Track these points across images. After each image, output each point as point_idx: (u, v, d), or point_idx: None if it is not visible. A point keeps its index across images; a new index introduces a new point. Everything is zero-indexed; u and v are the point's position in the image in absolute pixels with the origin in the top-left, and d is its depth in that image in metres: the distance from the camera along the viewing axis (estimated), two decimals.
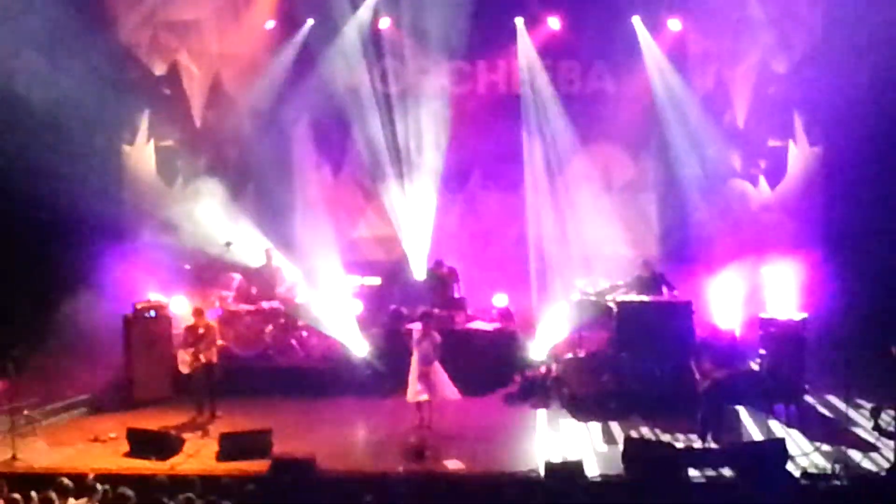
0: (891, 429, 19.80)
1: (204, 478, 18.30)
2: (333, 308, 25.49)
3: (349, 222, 29.19)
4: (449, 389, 21.69)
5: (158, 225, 27.28)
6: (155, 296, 24.34)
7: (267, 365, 24.55)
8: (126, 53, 27.50)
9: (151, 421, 21.50)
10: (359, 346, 24.59)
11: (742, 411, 21.61)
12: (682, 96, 27.54)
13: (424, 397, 21.47)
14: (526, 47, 28.17)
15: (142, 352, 23.35)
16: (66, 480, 17.10)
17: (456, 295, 25.75)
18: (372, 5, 28.13)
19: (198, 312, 22.58)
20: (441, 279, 25.85)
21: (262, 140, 28.33)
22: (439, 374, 21.60)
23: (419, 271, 27.39)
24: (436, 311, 24.10)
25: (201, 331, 22.21)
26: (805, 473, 18.47)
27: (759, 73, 27.53)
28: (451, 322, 24.51)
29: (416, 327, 22.13)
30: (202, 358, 21.85)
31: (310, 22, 28.12)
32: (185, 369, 22.07)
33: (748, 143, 27.93)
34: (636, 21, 27.54)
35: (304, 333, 25.55)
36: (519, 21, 27.93)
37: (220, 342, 22.47)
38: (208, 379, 22.00)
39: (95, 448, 20.42)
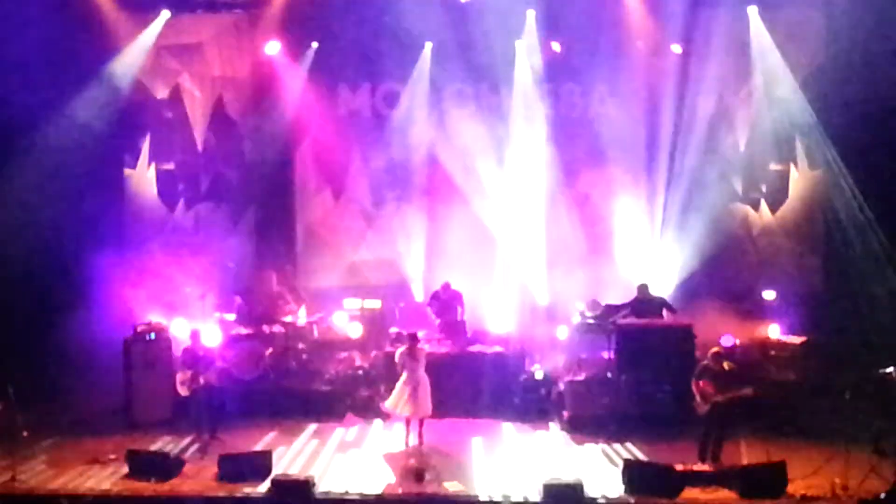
0: (891, 451, 19.76)
1: (203, 499, 18.36)
2: (334, 331, 25.56)
3: (350, 245, 29.13)
4: (427, 405, 21.95)
5: (160, 248, 27.25)
6: (155, 318, 24.29)
7: (267, 387, 24.44)
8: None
9: (151, 442, 21.50)
10: (358, 369, 24.57)
11: (742, 433, 21.53)
12: (679, 120, 27.62)
13: (407, 413, 21.77)
14: (526, 70, 28.17)
15: (142, 374, 23.28)
16: (65, 502, 17.11)
17: (458, 318, 25.69)
18: (375, 30, 28.11)
19: (195, 334, 22.60)
20: (445, 302, 25.86)
21: (263, 163, 28.35)
22: (425, 391, 21.85)
23: (419, 294, 27.39)
24: (435, 334, 24.34)
25: (205, 353, 22.25)
26: (804, 496, 18.47)
27: (760, 97, 27.50)
28: (451, 345, 24.54)
29: (401, 349, 22.30)
30: (201, 380, 21.85)
31: (313, 45, 28.11)
32: (183, 391, 22.08)
33: (749, 166, 27.94)
34: (635, 46, 27.59)
35: (305, 356, 25.51)
36: (519, 44, 27.90)
37: (219, 364, 22.45)
38: (208, 401, 21.99)
39: (95, 470, 20.30)
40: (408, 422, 21.98)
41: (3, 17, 24.18)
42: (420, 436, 21.93)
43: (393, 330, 25.29)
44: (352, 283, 27.82)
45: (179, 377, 22.10)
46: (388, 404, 22.15)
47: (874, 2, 24.85)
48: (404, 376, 21.94)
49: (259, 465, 19.84)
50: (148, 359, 23.41)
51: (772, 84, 27.20)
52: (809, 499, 18.44)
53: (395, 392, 22.03)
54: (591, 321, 24.81)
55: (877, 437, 20.48)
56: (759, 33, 26.72)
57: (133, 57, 26.98)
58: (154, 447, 21.03)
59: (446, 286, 26.00)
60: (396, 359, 22.19)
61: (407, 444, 21.92)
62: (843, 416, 20.88)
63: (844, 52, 25.44)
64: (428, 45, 28.26)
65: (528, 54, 28.09)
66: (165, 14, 27.04)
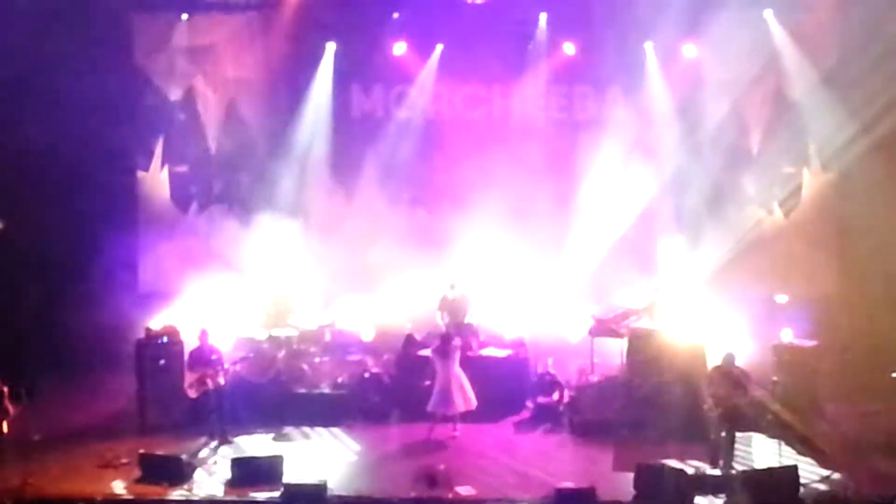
0: None
1: (215, 503, 18.39)
2: (345, 334, 25.61)
3: (363, 248, 28.97)
4: (470, 399, 22.45)
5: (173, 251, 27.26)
6: (168, 321, 24.23)
7: (278, 391, 24.26)
8: (142, 78, 27.67)
9: (163, 446, 21.47)
10: (371, 372, 24.56)
11: (754, 438, 21.52)
12: (694, 122, 27.61)
13: (461, 408, 22.28)
14: (541, 72, 28.20)
15: (154, 377, 23.22)
16: None
17: (468, 321, 25.64)
18: (388, 31, 28.16)
19: (204, 336, 22.59)
20: (456, 303, 25.82)
21: (275, 165, 28.29)
22: (463, 385, 22.42)
23: (431, 297, 27.27)
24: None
25: (214, 356, 22.27)
26: (817, 500, 18.44)
27: (773, 99, 27.53)
28: (463, 348, 24.43)
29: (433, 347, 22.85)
30: (209, 382, 21.86)
31: (329, 47, 28.15)
32: (191, 393, 22.10)
33: (763, 169, 27.89)
34: (648, 47, 27.57)
35: (317, 360, 25.45)
36: (532, 46, 27.90)
37: (227, 366, 22.45)
38: (219, 404, 22.01)
39: (107, 473, 20.36)
40: (449, 418, 22.39)
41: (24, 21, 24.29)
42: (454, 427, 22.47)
43: (405, 332, 25.30)
44: (364, 286, 27.75)
45: (187, 380, 22.13)
46: (431, 406, 22.36)
47: (887, 5, 24.88)
48: (439, 375, 22.33)
49: (271, 469, 19.88)
50: (160, 362, 23.30)
51: (785, 86, 27.20)
52: (822, 502, 18.40)
53: (434, 393, 22.35)
54: (604, 324, 24.77)
55: (890, 440, 20.51)
56: (773, 36, 26.71)
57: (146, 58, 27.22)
58: (166, 451, 21.02)
59: (453, 286, 25.97)
60: (435, 355, 22.62)
61: (452, 438, 22.30)
62: (856, 419, 20.86)
63: (857, 55, 25.41)
64: (439, 47, 28.26)
65: (539, 56, 28.09)
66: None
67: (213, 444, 21.88)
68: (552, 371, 24.23)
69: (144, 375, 23.25)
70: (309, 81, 28.47)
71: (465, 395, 22.33)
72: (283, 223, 27.95)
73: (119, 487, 19.70)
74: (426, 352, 23.28)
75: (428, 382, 22.92)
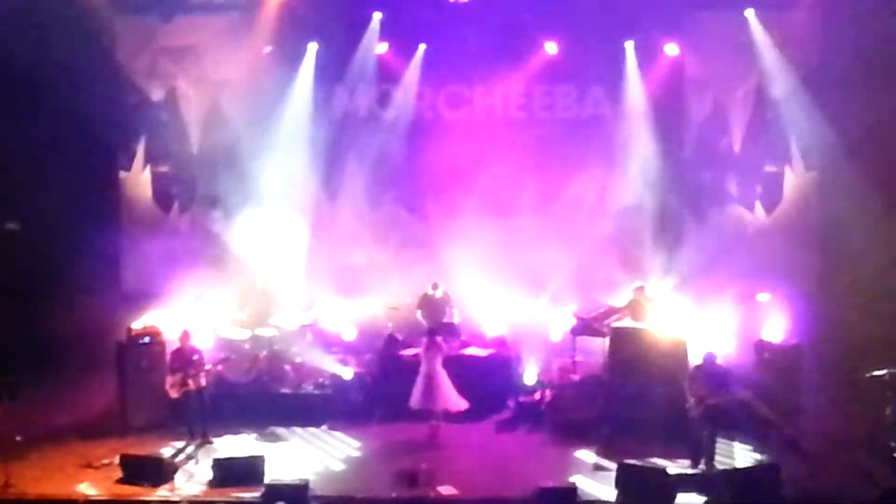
0: (885, 454, 19.77)
1: None
2: (329, 334, 25.58)
3: (345, 248, 28.89)
4: (454, 399, 22.43)
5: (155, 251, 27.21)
6: (150, 322, 24.16)
7: (260, 391, 24.33)
8: (124, 78, 27.62)
9: (145, 447, 21.48)
10: (352, 372, 24.55)
11: (736, 436, 21.55)
12: (676, 121, 27.62)
13: (419, 405, 22.38)
14: (523, 71, 28.20)
15: (135, 377, 23.18)
16: None
17: (448, 320, 25.62)
18: (371, 30, 28.15)
19: (185, 337, 22.55)
20: (436, 303, 25.83)
21: (258, 166, 28.20)
22: (444, 383, 22.36)
23: (413, 297, 27.15)
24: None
25: (195, 356, 22.23)
26: (799, 499, 18.46)
27: (755, 98, 27.53)
28: (445, 347, 24.44)
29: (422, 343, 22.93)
30: (190, 383, 21.83)
31: (311, 47, 28.13)
32: (173, 393, 22.06)
33: (744, 168, 27.88)
34: (629, 46, 27.58)
35: (298, 359, 25.38)
36: (516, 46, 27.89)
37: (208, 367, 22.41)
38: (200, 404, 21.99)
39: (88, 474, 20.36)
40: (429, 415, 22.42)
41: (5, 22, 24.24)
42: (436, 428, 22.44)
43: (387, 332, 25.36)
44: (346, 286, 27.70)
45: (169, 380, 22.09)
46: (413, 403, 22.49)
47: (869, 4, 24.93)
48: (421, 371, 22.51)
49: (252, 469, 19.87)
50: (142, 362, 23.30)
51: (767, 85, 27.21)
52: (804, 502, 18.43)
53: (416, 388, 22.51)
54: (586, 322, 24.75)
55: (871, 441, 20.53)
56: (756, 35, 26.74)
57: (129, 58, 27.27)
58: (148, 452, 21.00)
59: (435, 286, 26.04)
60: (421, 350, 22.82)
61: (430, 439, 22.30)
62: (838, 418, 20.88)
63: (839, 53, 25.43)
64: (422, 47, 28.25)
65: (522, 56, 28.09)
66: None
67: (195, 444, 21.88)
68: (534, 370, 24.28)
69: (126, 376, 23.24)
70: (291, 82, 28.35)
71: (443, 394, 22.38)
72: (266, 219, 27.79)
73: (100, 488, 19.66)
74: (410, 351, 23.37)
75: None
